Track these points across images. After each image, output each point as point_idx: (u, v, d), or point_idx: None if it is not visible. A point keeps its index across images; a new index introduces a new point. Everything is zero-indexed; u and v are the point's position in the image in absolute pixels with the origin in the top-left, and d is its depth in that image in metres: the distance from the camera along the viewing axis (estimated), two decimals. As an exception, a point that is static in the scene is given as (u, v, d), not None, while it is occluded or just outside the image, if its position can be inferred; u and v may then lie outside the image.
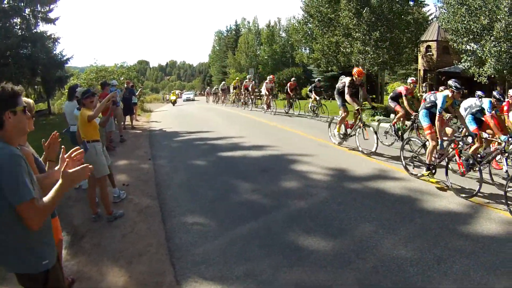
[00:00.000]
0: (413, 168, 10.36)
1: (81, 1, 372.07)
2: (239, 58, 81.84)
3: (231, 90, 37.46)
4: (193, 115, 30.23)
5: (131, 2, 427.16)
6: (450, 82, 9.59)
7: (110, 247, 6.49)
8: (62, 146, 3.46)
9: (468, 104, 10.68)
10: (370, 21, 29.34)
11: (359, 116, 13.17)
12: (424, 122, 9.72)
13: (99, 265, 5.94)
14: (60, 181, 3.00)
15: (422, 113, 9.82)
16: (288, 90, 25.75)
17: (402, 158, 10.66)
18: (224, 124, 21.33)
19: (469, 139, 10.40)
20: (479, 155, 9.81)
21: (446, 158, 9.32)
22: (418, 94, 28.39)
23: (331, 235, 6.60)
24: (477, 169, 8.73)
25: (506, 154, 9.17)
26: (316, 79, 26.48)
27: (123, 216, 7.76)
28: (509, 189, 7.49)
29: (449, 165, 9.24)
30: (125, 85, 21.14)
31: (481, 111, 10.24)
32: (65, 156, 3.25)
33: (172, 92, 66.02)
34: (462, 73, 26.18)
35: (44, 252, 3.15)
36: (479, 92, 11.04)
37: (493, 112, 9.95)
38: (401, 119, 13.98)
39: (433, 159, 9.50)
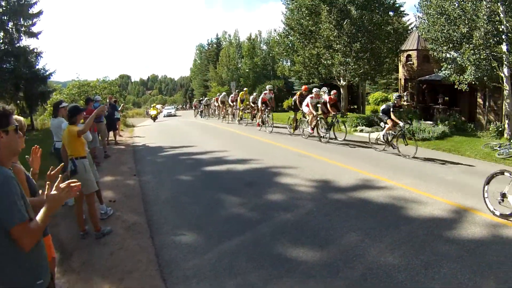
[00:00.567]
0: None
1: (62, 15, 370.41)
2: (221, 71, 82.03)
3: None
4: (177, 129, 30.18)
5: (112, 16, 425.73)
6: None
7: (100, 265, 6.48)
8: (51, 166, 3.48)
9: None
10: (351, 32, 29.71)
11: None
12: None
13: (90, 283, 5.95)
14: (45, 205, 3.01)
15: None
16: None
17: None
18: (207, 139, 21.41)
19: None
20: None
21: None
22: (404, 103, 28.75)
23: (318, 246, 6.72)
24: None
25: None
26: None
27: (111, 233, 7.75)
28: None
29: None
30: (108, 101, 21.10)
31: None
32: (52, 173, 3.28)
33: (152, 106, 59.99)
34: (442, 81, 26.51)
35: (38, 272, 3.15)
36: None
37: None
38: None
39: None
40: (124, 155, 17.15)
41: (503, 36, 20.54)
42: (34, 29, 30.78)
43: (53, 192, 3.04)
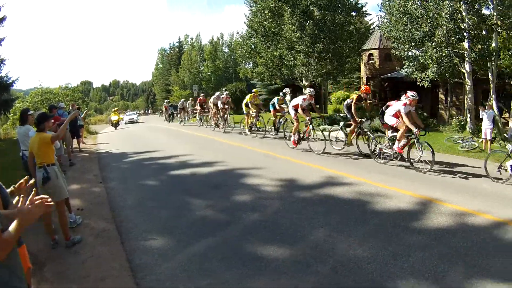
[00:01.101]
0: None
1: (22, 21, 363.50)
2: (183, 75, 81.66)
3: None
4: (140, 135, 30.04)
5: (73, 21, 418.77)
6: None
7: (73, 274, 6.47)
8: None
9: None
10: (313, 33, 30.09)
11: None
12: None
13: (65, 293, 5.97)
14: (17, 219, 2.98)
15: None
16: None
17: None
18: (172, 143, 21.48)
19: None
20: None
21: None
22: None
23: (287, 243, 6.89)
24: None
25: None
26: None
27: (81, 241, 7.72)
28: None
29: None
30: (71, 107, 20.90)
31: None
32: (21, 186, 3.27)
33: (113, 110, 48.13)
34: (404, 78, 27.13)
35: (15, 283, 3.13)
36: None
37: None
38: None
39: None
40: (89, 162, 16.98)
41: (465, 34, 21.27)
42: (-3, 35, 29.99)
43: (26, 206, 3.04)
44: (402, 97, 12.98)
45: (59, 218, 7.62)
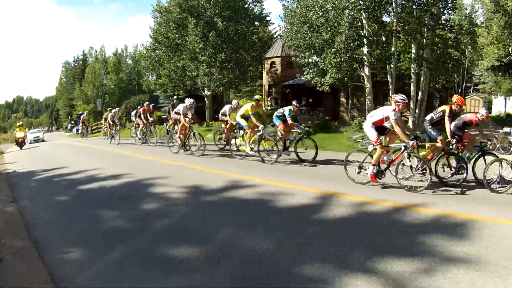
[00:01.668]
0: None
1: None
2: (86, 89, 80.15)
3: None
4: (48, 153, 29.53)
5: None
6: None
7: (-4, 293, 6.62)
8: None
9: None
10: (216, 43, 30.81)
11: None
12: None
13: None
14: None
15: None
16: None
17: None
18: (80, 159, 21.50)
19: None
20: None
21: None
22: (264, 109, 30.11)
23: (197, 243, 7.49)
24: None
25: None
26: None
27: (2, 261, 7.76)
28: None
29: None
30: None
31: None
32: None
33: (17, 125, 39.70)
34: (305, 84, 28.39)
35: None
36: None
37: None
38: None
39: None
40: (-3, 183, 16.79)
41: (364, 40, 22.69)
42: None
43: None
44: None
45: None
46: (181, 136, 18.25)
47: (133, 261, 7.07)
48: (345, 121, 29.87)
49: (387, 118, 10.71)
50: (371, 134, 11.01)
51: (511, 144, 18.14)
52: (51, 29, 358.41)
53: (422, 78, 25.11)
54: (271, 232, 7.64)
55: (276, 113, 15.90)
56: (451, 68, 28.26)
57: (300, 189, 10.58)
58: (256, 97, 15.92)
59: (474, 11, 63.92)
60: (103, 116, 34.08)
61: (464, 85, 70.65)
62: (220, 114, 18.98)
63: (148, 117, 24.70)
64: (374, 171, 10.88)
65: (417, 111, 24.88)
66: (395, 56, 23.77)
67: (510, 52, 39.83)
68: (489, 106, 54.21)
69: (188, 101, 17.87)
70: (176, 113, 18.47)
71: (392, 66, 24.11)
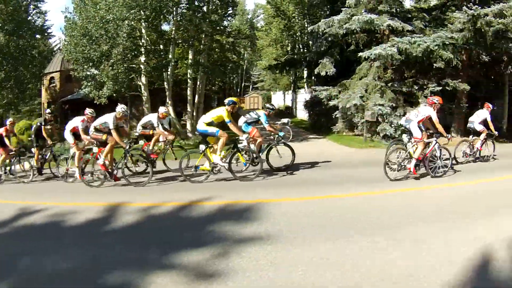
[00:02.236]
0: None
1: None
2: None
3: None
4: None
5: None
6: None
7: None
8: None
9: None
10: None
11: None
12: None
13: None
14: None
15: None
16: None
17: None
18: None
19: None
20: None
21: None
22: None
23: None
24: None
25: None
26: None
27: None
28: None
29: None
30: None
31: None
32: None
33: None
34: (84, 98, 27.51)
35: None
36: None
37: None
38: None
39: None
40: None
41: (142, 49, 23.12)
42: None
43: None
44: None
45: None
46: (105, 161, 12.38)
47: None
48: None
49: (427, 117, 11.70)
50: (417, 131, 11.72)
51: (290, 134, 20.44)
52: None
53: (198, 82, 26.57)
54: (68, 251, 7.04)
55: (245, 119, 13.75)
56: (229, 70, 30.24)
57: (85, 205, 10.12)
58: (233, 99, 12.53)
59: (255, 16, 69.78)
60: None
61: (243, 84, 75.73)
62: (139, 127, 15.50)
63: None
64: (415, 164, 11.70)
65: (194, 113, 26.21)
66: (172, 63, 24.74)
67: (288, 51, 44.41)
68: (269, 101, 59.58)
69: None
70: (96, 129, 12.77)
71: (169, 73, 24.99)
